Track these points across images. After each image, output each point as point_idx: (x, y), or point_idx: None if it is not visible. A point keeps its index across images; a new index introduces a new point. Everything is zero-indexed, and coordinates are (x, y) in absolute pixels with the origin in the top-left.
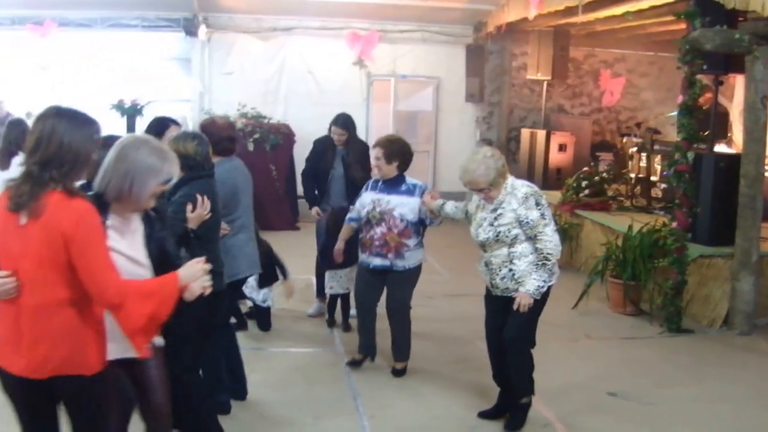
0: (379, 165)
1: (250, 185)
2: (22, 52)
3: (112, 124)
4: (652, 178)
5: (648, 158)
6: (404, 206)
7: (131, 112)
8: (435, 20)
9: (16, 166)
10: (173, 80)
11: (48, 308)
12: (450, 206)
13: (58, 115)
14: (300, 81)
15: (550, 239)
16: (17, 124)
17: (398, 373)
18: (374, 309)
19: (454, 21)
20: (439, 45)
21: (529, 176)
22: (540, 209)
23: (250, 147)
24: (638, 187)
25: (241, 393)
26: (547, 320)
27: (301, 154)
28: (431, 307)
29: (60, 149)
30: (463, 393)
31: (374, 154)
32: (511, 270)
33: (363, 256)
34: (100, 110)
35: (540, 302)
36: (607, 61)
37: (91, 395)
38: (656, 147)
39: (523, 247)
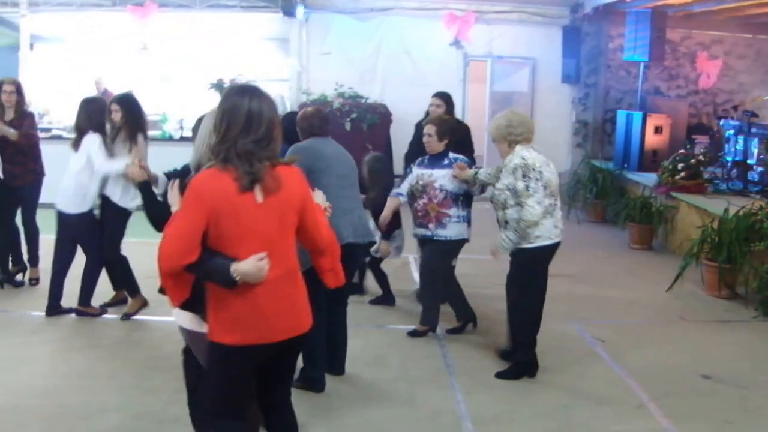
0: (429, 142)
1: (338, 163)
2: (123, 34)
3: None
4: (749, 161)
5: (745, 141)
6: (444, 178)
7: None
8: (531, 1)
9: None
10: (271, 60)
11: (286, 277)
12: (483, 173)
13: (256, 94)
14: (396, 61)
15: (530, 208)
16: (93, 102)
17: (414, 333)
18: (446, 278)
19: (551, 2)
20: (535, 26)
21: (625, 158)
22: (526, 181)
23: (347, 126)
24: (734, 170)
25: (338, 368)
26: (642, 302)
27: (396, 133)
28: None
29: (269, 126)
30: None
31: (426, 130)
32: (504, 231)
33: (413, 229)
34: (199, 89)
35: (521, 264)
36: (704, 43)
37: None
38: (753, 130)
39: (512, 212)
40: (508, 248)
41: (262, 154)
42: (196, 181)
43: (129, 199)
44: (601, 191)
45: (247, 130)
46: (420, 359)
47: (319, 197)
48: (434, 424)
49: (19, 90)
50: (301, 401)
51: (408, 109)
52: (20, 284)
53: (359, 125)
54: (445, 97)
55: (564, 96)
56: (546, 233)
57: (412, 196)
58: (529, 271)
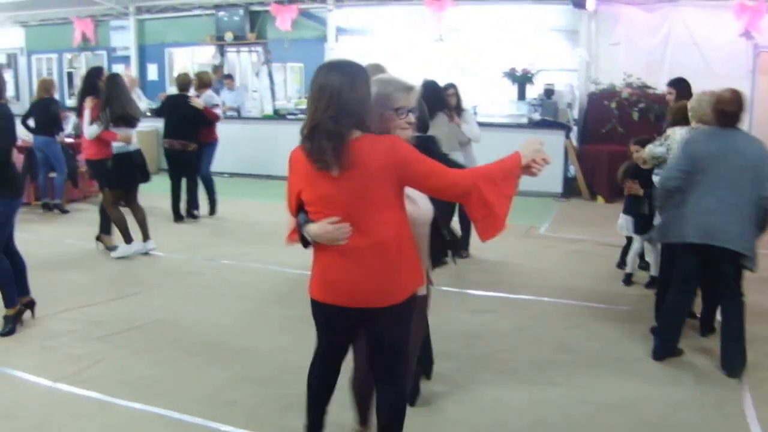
0: None
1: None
2: (421, 25)
3: (504, 91)
4: None
5: None
6: None
7: (522, 80)
8: None
9: None
10: (560, 51)
11: (372, 248)
12: None
13: (333, 67)
14: (684, 52)
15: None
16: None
17: None
18: None
19: None
20: None
21: None
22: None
23: (635, 116)
24: None
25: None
26: None
27: None
28: None
29: (342, 98)
30: None
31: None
32: None
33: None
34: (492, 78)
35: None
36: None
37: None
38: None
39: None
40: None
41: (333, 129)
42: (293, 152)
43: None
44: None
45: (318, 105)
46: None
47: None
48: None
49: None
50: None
51: None
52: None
53: (647, 115)
54: (676, 85)
55: None
56: None
57: None
58: None
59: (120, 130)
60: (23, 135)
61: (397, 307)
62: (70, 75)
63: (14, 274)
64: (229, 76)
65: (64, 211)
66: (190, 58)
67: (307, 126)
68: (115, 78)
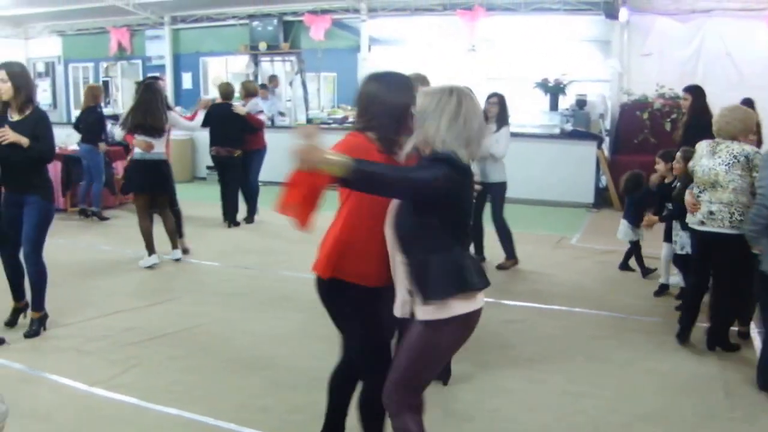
0: None
1: None
2: (453, 36)
3: (536, 101)
4: None
5: None
6: None
7: (554, 91)
8: None
9: None
10: (592, 61)
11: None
12: None
13: (373, 77)
14: (717, 63)
15: None
16: None
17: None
18: None
19: None
20: None
21: None
22: None
23: (667, 127)
24: None
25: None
26: None
27: None
28: None
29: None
30: None
31: None
32: None
33: None
34: (524, 88)
35: None
36: None
37: None
38: None
39: None
40: None
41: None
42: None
43: None
44: None
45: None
46: None
47: None
48: None
49: None
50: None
51: None
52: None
53: (679, 126)
54: (692, 90)
55: None
56: None
57: None
58: None
59: (139, 137)
60: (59, 142)
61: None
62: (105, 83)
63: (20, 279)
64: (264, 86)
65: (103, 218)
66: (225, 67)
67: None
68: (149, 85)
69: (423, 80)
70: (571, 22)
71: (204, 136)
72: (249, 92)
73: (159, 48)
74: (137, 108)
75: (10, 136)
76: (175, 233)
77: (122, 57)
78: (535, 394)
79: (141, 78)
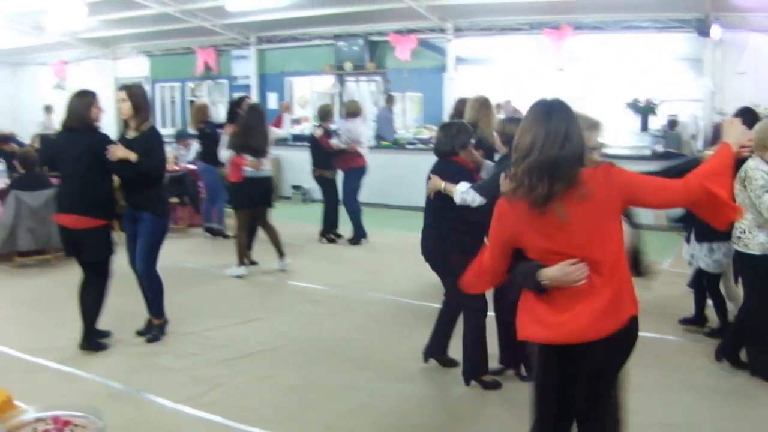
0: None
1: None
2: (541, 55)
3: (626, 122)
4: None
5: None
6: None
7: (645, 111)
8: None
9: None
10: (683, 80)
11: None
12: None
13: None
14: None
15: None
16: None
17: None
18: None
19: None
20: None
21: None
22: None
23: None
24: None
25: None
26: None
27: None
28: None
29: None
30: None
31: None
32: None
33: None
34: (614, 109)
35: None
36: None
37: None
38: None
39: None
40: None
41: (565, 167)
42: (501, 203)
43: None
44: None
45: (545, 144)
46: None
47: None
48: None
49: None
50: None
51: None
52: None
53: None
54: (742, 114)
55: None
56: None
57: None
58: None
59: (249, 156)
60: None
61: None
62: (192, 103)
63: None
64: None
65: (226, 236)
66: (310, 87)
67: (520, 170)
68: (254, 107)
69: (485, 103)
70: (661, 40)
71: (289, 155)
72: (350, 113)
73: (245, 68)
74: (245, 129)
75: (119, 152)
76: (280, 243)
77: (208, 77)
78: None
79: (227, 98)
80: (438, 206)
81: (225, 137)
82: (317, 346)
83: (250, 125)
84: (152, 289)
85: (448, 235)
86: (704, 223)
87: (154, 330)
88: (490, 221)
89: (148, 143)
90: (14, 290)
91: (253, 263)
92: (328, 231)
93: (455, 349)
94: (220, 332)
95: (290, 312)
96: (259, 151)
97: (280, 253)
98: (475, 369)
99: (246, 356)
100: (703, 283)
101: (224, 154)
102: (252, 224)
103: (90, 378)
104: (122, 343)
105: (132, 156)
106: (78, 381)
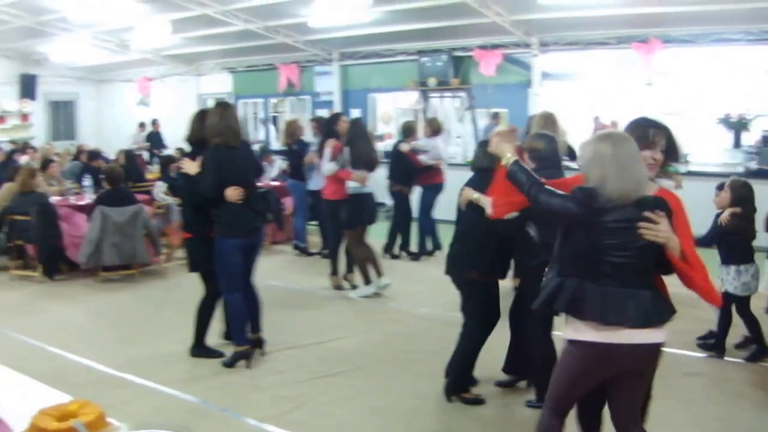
0: None
1: None
2: (629, 70)
3: (719, 138)
4: None
5: None
6: None
7: (737, 126)
8: None
9: None
10: None
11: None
12: None
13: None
14: None
15: None
16: None
17: None
18: None
19: None
20: None
21: None
22: None
23: None
24: None
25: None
26: None
27: None
28: None
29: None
30: None
31: None
32: None
33: None
34: (705, 124)
35: None
36: None
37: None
38: None
39: None
40: None
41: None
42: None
43: None
44: None
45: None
46: None
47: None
48: None
49: None
50: None
51: None
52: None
53: None
54: None
55: None
56: None
57: None
58: None
59: (357, 171)
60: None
61: None
62: (274, 119)
63: (250, 312)
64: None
65: (309, 254)
66: (393, 103)
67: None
68: (358, 121)
69: (549, 119)
70: (754, 52)
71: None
72: (432, 130)
73: (328, 84)
74: (355, 144)
75: (185, 165)
76: (377, 260)
77: (291, 93)
78: None
79: (310, 114)
80: (469, 219)
81: (328, 150)
82: (402, 367)
83: (358, 139)
84: (227, 313)
85: (476, 248)
86: (730, 245)
87: (234, 356)
88: (520, 236)
89: (204, 161)
90: (99, 304)
91: (352, 286)
92: (400, 246)
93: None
94: (305, 351)
95: (374, 331)
96: (371, 165)
97: (378, 272)
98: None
99: (331, 375)
100: (730, 308)
101: (327, 167)
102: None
103: (173, 394)
104: (205, 359)
105: (190, 169)
106: (161, 396)
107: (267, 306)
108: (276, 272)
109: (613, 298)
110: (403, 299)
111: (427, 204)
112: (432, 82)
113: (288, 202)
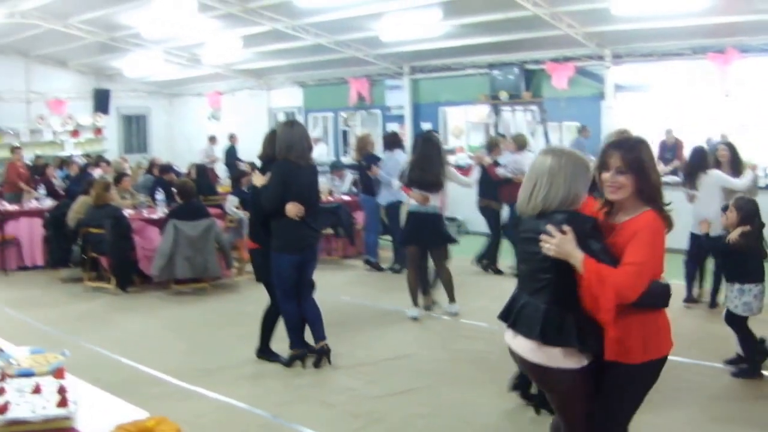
0: None
1: None
2: (705, 81)
3: None
4: None
5: None
6: None
7: None
8: None
9: None
10: None
11: None
12: None
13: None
14: None
15: None
16: None
17: None
18: None
19: None
20: None
21: None
22: None
23: None
24: None
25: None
26: None
27: None
28: None
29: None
30: None
31: None
32: None
33: None
34: None
35: None
36: None
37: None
38: None
39: None
40: None
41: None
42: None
43: None
44: None
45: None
46: None
47: None
48: None
49: None
50: None
51: None
52: None
53: None
54: None
55: None
56: None
57: None
58: None
59: (417, 190)
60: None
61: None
62: (344, 133)
63: (309, 321)
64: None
65: (379, 269)
66: (464, 117)
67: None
68: (429, 139)
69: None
70: None
71: None
72: (518, 146)
73: (398, 98)
74: (416, 162)
75: (254, 178)
76: (451, 286)
77: (361, 107)
78: None
79: (381, 128)
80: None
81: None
82: (476, 385)
83: (424, 159)
84: (284, 320)
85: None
86: (735, 262)
87: (291, 357)
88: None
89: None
90: (170, 317)
91: (429, 306)
92: (486, 258)
93: None
94: (377, 367)
95: (449, 349)
96: (432, 185)
97: (450, 298)
98: None
99: (403, 392)
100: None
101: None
102: (420, 263)
103: (245, 408)
104: (276, 373)
105: (256, 181)
106: (233, 410)
107: (337, 321)
108: (347, 288)
109: (516, 299)
110: (480, 315)
111: (515, 220)
112: (503, 95)
113: (359, 217)
